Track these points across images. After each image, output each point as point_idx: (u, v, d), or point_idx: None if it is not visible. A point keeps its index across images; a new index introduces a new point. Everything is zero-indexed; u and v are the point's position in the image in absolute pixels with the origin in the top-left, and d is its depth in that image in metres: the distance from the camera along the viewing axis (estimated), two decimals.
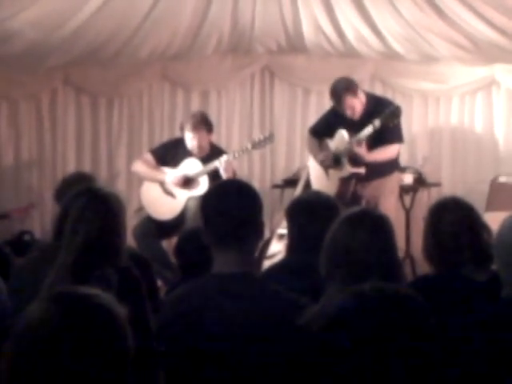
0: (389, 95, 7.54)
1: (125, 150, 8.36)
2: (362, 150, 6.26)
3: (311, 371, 1.76)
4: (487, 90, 7.98)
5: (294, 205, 3.74)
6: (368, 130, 6.15)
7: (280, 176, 8.10)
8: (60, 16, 6.90)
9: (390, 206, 6.40)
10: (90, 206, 3.04)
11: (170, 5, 7.04)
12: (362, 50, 7.84)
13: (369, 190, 6.47)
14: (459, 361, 2.38)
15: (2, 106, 8.31)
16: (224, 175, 6.33)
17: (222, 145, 7.35)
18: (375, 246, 2.70)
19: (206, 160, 6.54)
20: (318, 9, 7.28)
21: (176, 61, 8.18)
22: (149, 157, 6.82)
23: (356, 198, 6.41)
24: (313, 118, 7.57)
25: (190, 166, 6.60)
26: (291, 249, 3.62)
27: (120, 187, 8.01)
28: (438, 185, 7.71)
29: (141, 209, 6.86)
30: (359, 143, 6.24)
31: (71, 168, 8.05)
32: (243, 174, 7.74)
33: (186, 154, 6.63)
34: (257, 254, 3.17)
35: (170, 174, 6.62)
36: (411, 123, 7.94)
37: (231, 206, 2.65)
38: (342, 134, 6.39)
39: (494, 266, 3.06)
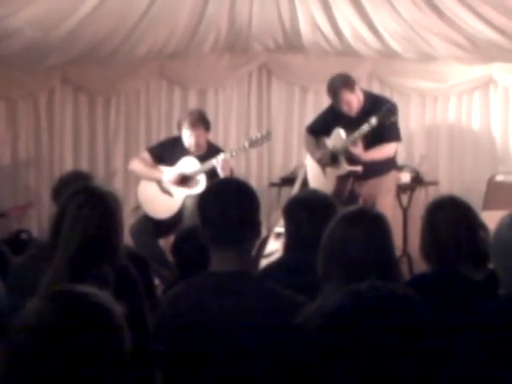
0: (386, 94, 7.54)
1: (122, 149, 8.35)
2: (357, 150, 6.26)
3: (308, 370, 1.76)
4: (485, 88, 7.98)
5: (292, 203, 3.74)
6: (364, 129, 6.15)
7: (277, 174, 8.10)
8: (58, 15, 6.90)
9: (387, 205, 6.40)
10: (87, 204, 3.04)
11: (168, 3, 7.04)
12: (360, 49, 7.83)
13: (366, 189, 6.47)
14: (456, 360, 2.38)
15: (0, 104, 8.31)
16: (221, 174, 6.33)
17: (220, 143, 7.35)
18: (372, 245, 2.70)
19: (203, 158, 6.54)
20: (316, 7, 7.28)
21: (173, 59, 8.18)
22: (146, 155, 6.82)
23: (353, 197, 6.41)
24: (310, 116, 7.57)
25: (188, 164, 6.60)
26: (288, 247, 3.62)
27: (117, 186, 8.01)
28: (435, 183, 7.71)
29: (138, 207, 6.86)
30: (354, 143, 6.24)
31: (68, 166, 8.05)
32: (240, 173, 7.74)
33: (184, 152, 6.62)
34: (254, 252, 3.17)
35: (167, 173, 6.62)
36: (409, 122, 7.94)
37: (228, 205, 2.65)
38: (339, 133, 6.39)
39: (490, 265, 3.07)
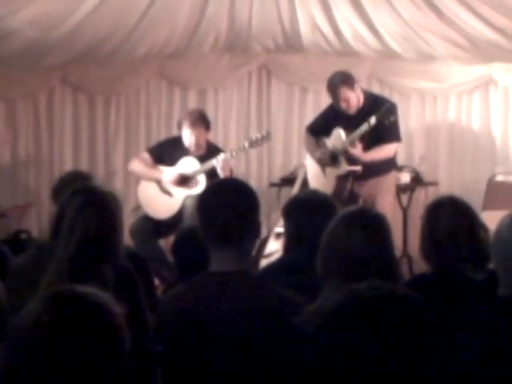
0: (386, 94, 7.54)
1: (122, 148, 8.35)
2: (356, 151, 6.26)
3: (308, 370, 1.75)
4: (484, 88, 7.99)
5: (291, 203, 3.74)
6: (363, 128, 6.15)
7: (277, 175, 8.10)
8: (57, 15, 6.90)
9: (387, 205, 6.40)
10: (87, 204, 3.03)
11: (168, 3, 7.04)
12: (360, 49, 7.84)
13: (366, 189, 6.47)
14: (457, 359, 2.38)
15: (0, 104, 8.31)
16: (221, 174, 6.33)
17: (219, 143, 7.34)
18: (372, 245, 2.70)
19: (203, 159, 6.54)
20: (315, 7, 7.28)
21: (173, 59, 8.18)
22: (146, 156, 6.82)
23: (353, 197, 6.41)
24: (310, 116, 7.57)
25: (187, 164, 6.59)
26: (288, 247, 3.62)
27: (117, 186, 8.01)
28: (435, 184, 7.72)
29: (138, 207, 6.86)
30: (352, 143, 6.24)
31: (68, 166, 8.05)
32: (240, 173, 7.74)
33: (183, 152, 6.62)
34: (254, 252, 3.17)
35: (167, 173, 6.62)
36: (408, 122, 7.94)
37: (228, 205, 2.65)
38: (339, 132, 6.39)
39: (490, 265, 3.07)
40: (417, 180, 7.53)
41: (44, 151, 8.35)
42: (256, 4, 7.32)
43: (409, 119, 7.97)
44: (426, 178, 7.67)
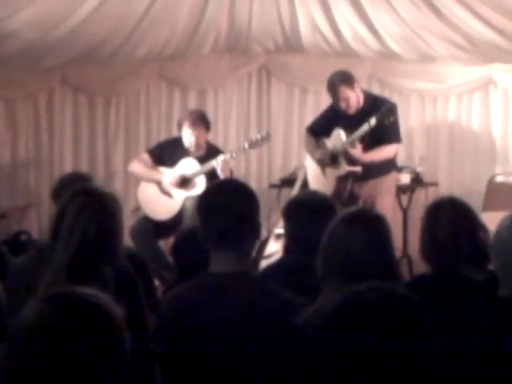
0: (386, 95, 7.54)
1: (122, 150, 8.36)
2: (356, 152, 6.26)
3: (308, 371, 1.75)
4: (484, 89, 7.99)
5: (291, 204, 3.74)
6: (363, 129, 6.15)
7: (277, 176, 8.10)
8: (57, 16, 6.90)
9: (387, 206, 6.39)
10: (87, 205, 3.03)
11: (167, 4, 7.04)
12: (360, 50, 7.84)
13: (366, 190, 6.47)
14: (457, 360, 2.38)
15: (0, 105, 8.31)
16: (221, 175, 6.33)
17: (219, 144, 7.34)
18: (372, 246, 2.69)
19: (202, 160, 6.54)
20: (315, 8, 7.28)
21: (173, 60, 8.18)
22: (145, 157, 6.82)
23: (353, 198, 6.41)
24: (310, 117, 7.57)
25: (187, 165, 6.59)
26: (288, 249, 3.62)
27: (117, 187, 8.01)
28: (435, 184, 7.71)
29: (138, 209, 6.86)
30: (352, 144, 6.24)
31: (68, 167, 8.05)
32: (240, 174, 7.74)
33: (183, 153, 6.62)
34: (254, 253, 3.17)
35: (167, 174, 6.62)
36: (408, 123, 7.94)
37: (228, 206, 2.65)
38: (339, 133, 6.39)
39: (490, 266, 3.07)
40: (417, 181, 7.53)
41: (44, 152, 8.35)
42: (256, 5, 7.32)
43: (409, 120, 7.98)
44: (426, 178, 7.67)
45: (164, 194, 6.64)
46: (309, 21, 7.49)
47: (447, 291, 3.08)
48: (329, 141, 6.56)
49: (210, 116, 7.09)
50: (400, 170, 7.15)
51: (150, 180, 6.71)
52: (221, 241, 2.65)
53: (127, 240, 5.95)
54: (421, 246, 3.34)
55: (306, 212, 3.56)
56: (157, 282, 5.42)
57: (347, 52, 7.87)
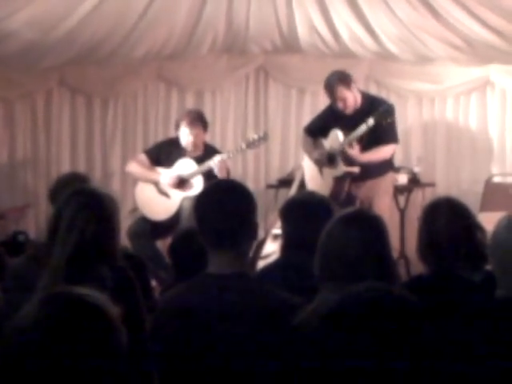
0: (383, 95, 7.54)
1: (119, 150, 8.36)
2: (354, 152, 6.26)
3: (305, 371, 1.76)
4: (482, 90, 7.99)
5: (289, 205, 3.74)
6: (361, 129, 6.15)
7: (274, 176, 8.10)
8: (55, 16, 6.90)
9: (384, 207, 6.40)
10: (85, 206, 3.03)
11: (165, 5, 7.04)
12: (357, 51, 7.84)
13: (363, 191, 6.47)
14: (453, 361, 2.38)
15: None
16: (218, 175, 6.33)
17: (217, 144, 7.34)
18: (369, 247, 2.69)
19: (200, 160, 6.53)
20: (313, 9, 7.29)
21: (171, 61, 8.18)
22: (143, 157, 6.81)
23: (350, 199, 6.41)
24: (307, 118, 7.57)
25: (185, 166, 6.59)
26: (286, 249, 3.62)
27: (114, 187, 8.01)
28: (432, 185, 7.72)
29: (135, 209, 6.85)
30: (350, 145, 6.25)
31: (65, 168, 8.05)
32: (237, 174, 7.73)
33: (181, 153, 6.62)
34: (251, 254, 3.17)
35: (165, 175, 6.61)
36: (406, 123, 7.94)
37: (225, 207, 2.65)
38: (337, 133, 6.39)
39: (488, 267, 3.07)
40: (414, 181, 7.54)
41: (41, 152, 8.36)
42: (253, 5, 7.32)
43: (406, 120, 7.97)
44: (423, 179, 7.68)
45: (161, 195, 6.63)
46: (306, 21, 7.49)
47: (445, 292, 3.09)
48: (326, 141, 6.56)
49: (208, 116, 7.09)
50: (397, 170, 7.16)
51: (147, 180, 6.71)
52: (218, 241, 2.65)
53: (125, 240, 5.96)
54: (418, 246, 3.34)
55: (303, 212, 3.56)
56: (154, 283, 5.42)
57: (345, 53, 7.88)
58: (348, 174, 6.38)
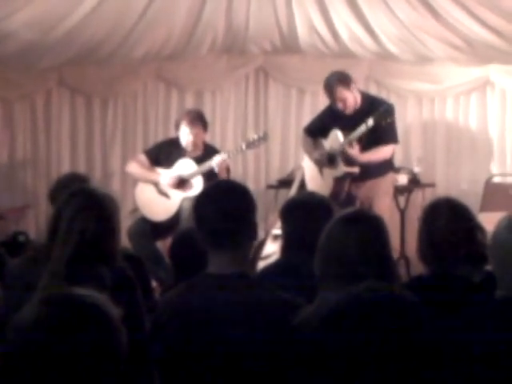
0: (383, 96, 7.54)
1: (119, 150, 8.36)
2: (354, 152, 6.26)
3: (305, 371, 1.76)
4: (482, 90, 7.99)
5: (289, 205, 3.74)
6: (361, 130, 6.16)
7: (274, 176, 8.10)
8: (55, 16, 6.90)
9: (384, 207, 6.40)
10: (85, 206, 3.03)
11: (165, 5, 7.04)
12: (357, 51, 7.84)
13: (363, 191, 6.47)
14: (453, 361, 2.38)
15: None
16: (218, 175, 6.33)
17: (217, 144, 7.34)
18: (369, 247, 2.69)
19: (200, 160, 6.53)
20: (312, 9, 7.29)
21: (171, 61, 8.18)
22: (143, 157, 6.81)
23: (350, 199, 6.41)
24: (307, 118, 7.57)
25: (185, 166, 6.59)
26: (286, 249, 3.62)
27: (114, 187, 8.01)
28: (432, 185, 7.71)
29: (135, 209, 6.85)
30: (350, 144, 6.25)
31: (65, 168, 8.05)
32: (237, 175, 7.73)
33: (180, 153, 6.62)
34: (251, 254, 3.17)
35: (165, 175, 6.61)
36: (405, 123, 7.94)
37: (225, 207, 2.65)
38: (336, 134, 6.39)
39: (488, 267, 3.07)
40: (414, 181, 7.54)
41: (41, 153, 8.36)
42: (253, 5, 7.32)
43: (406, 121, 7.98)
44: (423, 179, 7.68)
45: (161, 195, 6.63)
46: (306, 22, 7.49)
47: (445, 292, 3.08)
48: (326, 141, 6.57)
49: (208, 117, 7.08)
50: (397, 170, 7.15)
51: (147, 181, 6.71)
52: (218, 241, 2.65)
53: (125, 241, 5.95)
54: (418, 246, 3.34)
55: (303, 213, 3.56)
56: (154, 283, 5.42)
57: (344, 53, 7.88)
58: (348, 175, 6.38)
